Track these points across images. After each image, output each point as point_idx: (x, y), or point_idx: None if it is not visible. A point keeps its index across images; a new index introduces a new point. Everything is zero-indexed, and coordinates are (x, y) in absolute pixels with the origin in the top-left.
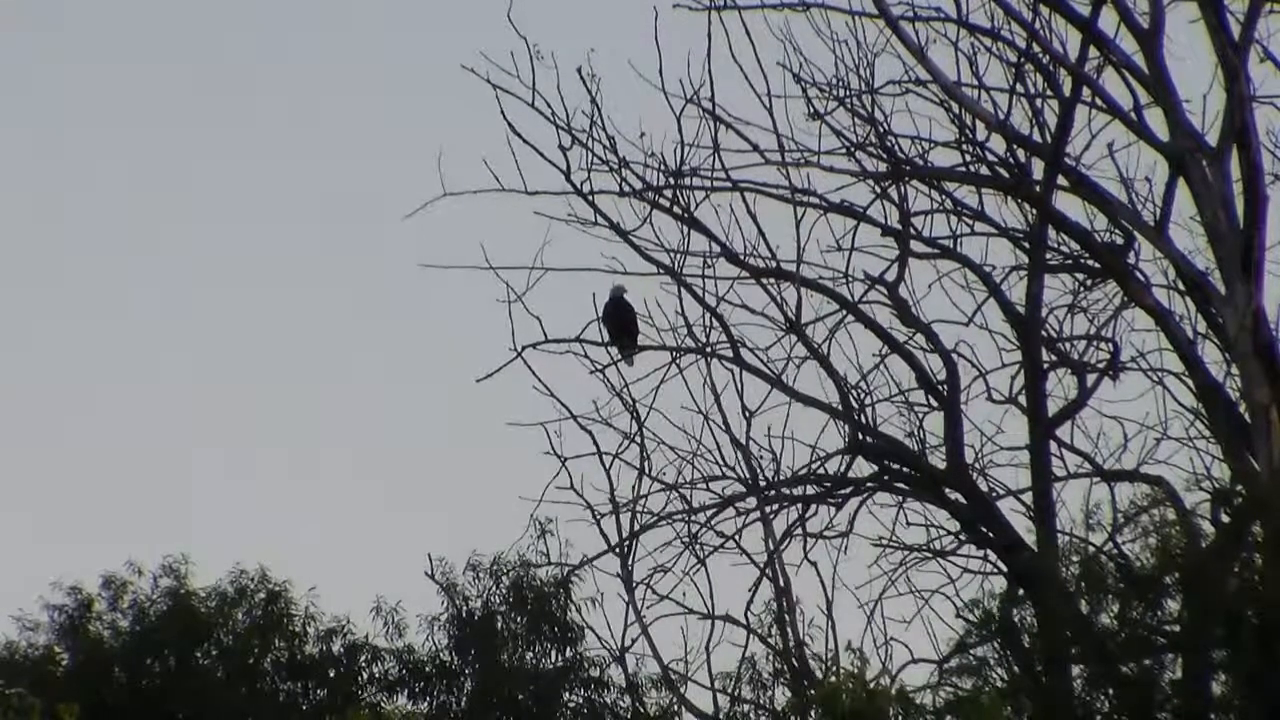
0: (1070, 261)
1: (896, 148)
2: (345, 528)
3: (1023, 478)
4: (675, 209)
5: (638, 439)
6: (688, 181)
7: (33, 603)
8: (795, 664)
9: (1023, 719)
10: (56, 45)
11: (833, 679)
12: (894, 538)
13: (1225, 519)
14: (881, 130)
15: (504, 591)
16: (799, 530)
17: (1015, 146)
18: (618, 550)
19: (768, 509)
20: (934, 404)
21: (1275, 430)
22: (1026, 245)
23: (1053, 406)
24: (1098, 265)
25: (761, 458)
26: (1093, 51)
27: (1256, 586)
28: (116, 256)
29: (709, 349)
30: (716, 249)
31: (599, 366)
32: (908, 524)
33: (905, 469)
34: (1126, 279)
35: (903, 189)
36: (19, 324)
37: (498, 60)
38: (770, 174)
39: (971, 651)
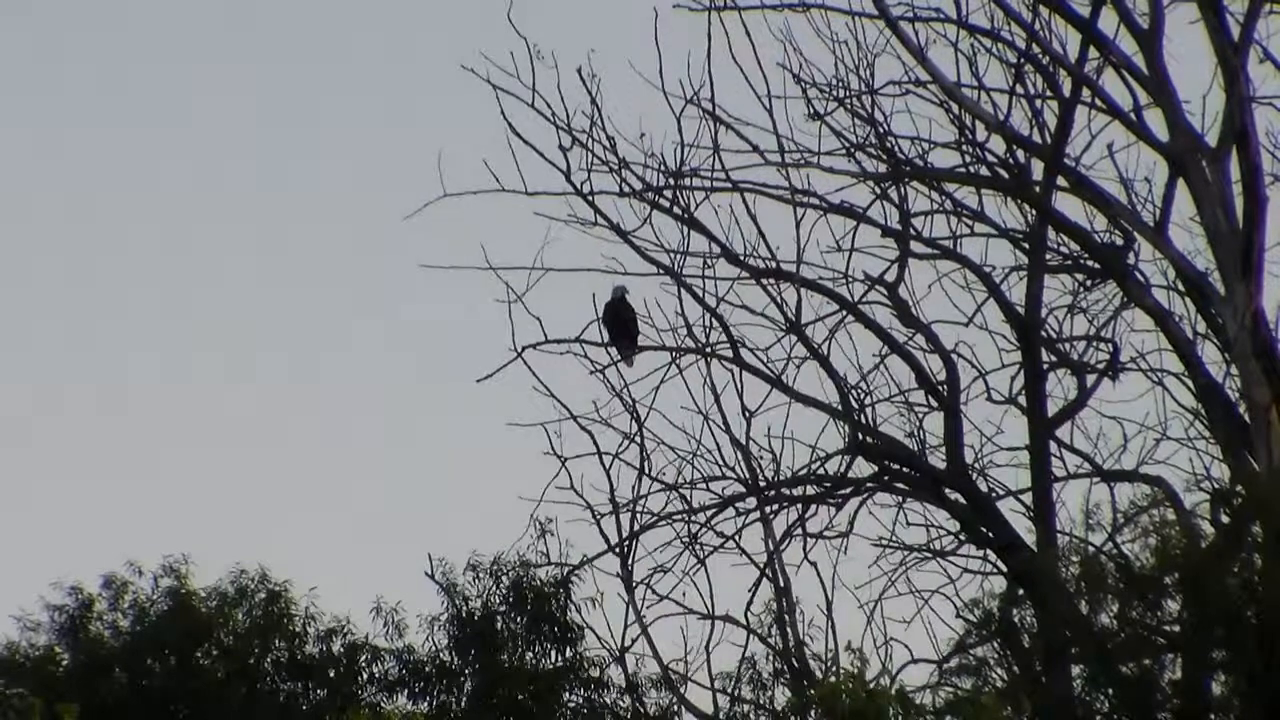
0: (1070, 262)
1: (896, 148)
2: (345, 528)
3: (1023, 478)
4: (675, 209)
5: (638, 439)
6: (688, 182)
7: (33, 603)
8: (795, 664)
9: (1022, 719)
10: (52, 43)
11: (833, 679)
12: (894, 538)
13: (1225, 519)
14: (881, 131)
15: (504, 591)
16: (799, 530)
17: (1015, 147)
18: (618, 550)
19: (768, 509)
20: (934, 404)
21: (1275, 430)
22: (1026, 246)
23: (1053, 406)
24: (1098, 265)
25: (761, 458)
26: (1092, 52)
27: (1256, 586)
28: (113, 256)
29: (709, 349)
30: (716, 249)
31: (599, 366)
32: (908, 524)
33: (905, 469)
34: (1126, 279)
35: (903, 190)
36: (19, 323)
37: (498, 60)
38: (770, 174)
39: (971, 651)
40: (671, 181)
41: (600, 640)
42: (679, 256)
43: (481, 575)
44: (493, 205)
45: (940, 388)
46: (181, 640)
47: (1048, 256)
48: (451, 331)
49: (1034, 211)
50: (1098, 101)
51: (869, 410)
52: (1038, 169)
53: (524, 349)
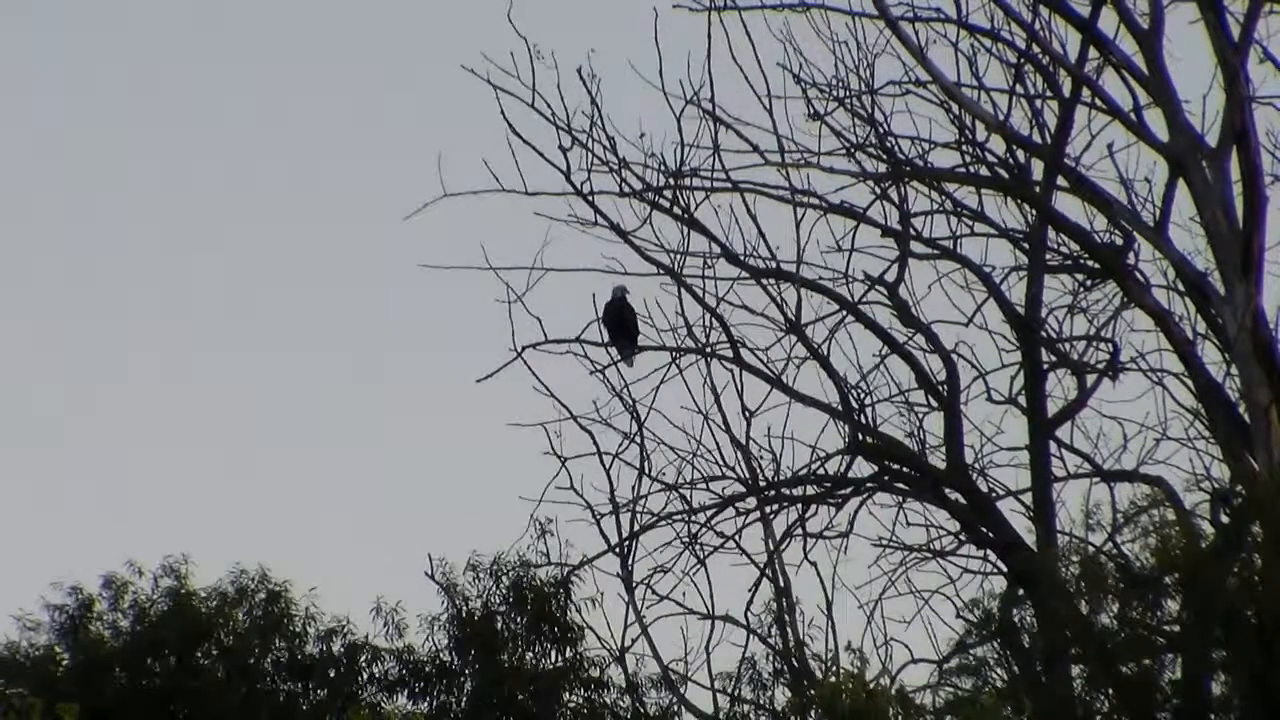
0: (1070, 262)
1: (896, 148)
2: (345, 528)
3: (1023, 478)
4: (675, 209)
5: (638, 439)
6: (688, 182)
7: (33, 603)
8: (795, 664)
9: (1022, 719)
10: (56, 44)
11: (833, 679)
12: (894, 538)
13: (1225, 519)
14: (881, 131)
15: (504, 591)
16: (799, 530)
17: (1015, 147)
18: (618, 550)
19: (768, 509)
20: (934, 404)
21: (1275, 430)
22: (1026, 245)
23: (1053, 406)
24: (1098, 265)
25: (761, 458)
26: (1092, 52)
27: (1256, 586)
28: (111, 256)
29: (709, 349)
30: (716, 249)
31: (599, 366)
32: (908, 524)
33: (905, 469)
34: (1126, 279)
35: (902, 190)
36: (19, 322)
37: (498, 60)
38: (770, 174)
39: (971, 651)
40: (671, 181)
41: (600, 640)
42: (679, 256)
43: (481, 575)
44: (493, 205)
45: (940, 388)
46: (181, 640)
47: (1048, 256)
48: (451, 331)
49: (1034, 211)
50: (1098, 101)
51: (869, 410)
52: (1038, 169)
53: (524, 349)
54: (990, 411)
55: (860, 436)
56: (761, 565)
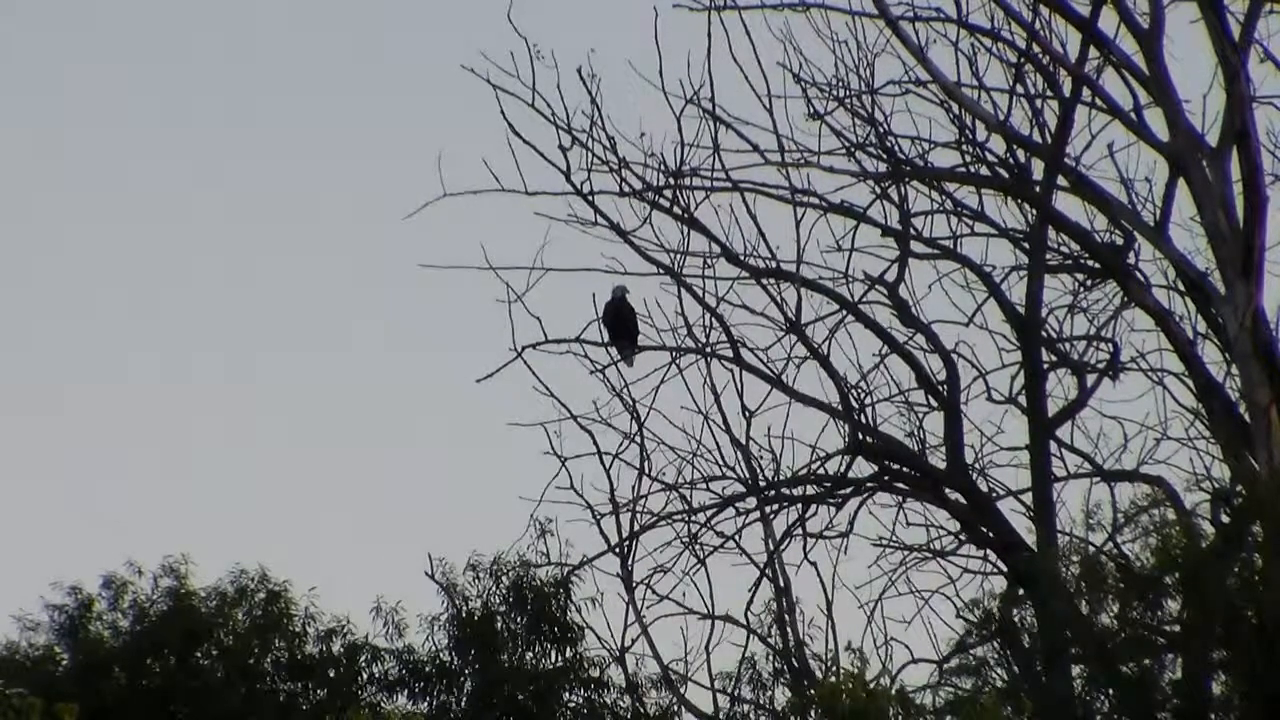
0: (1070, 261)
1: (896, 148)
2: (345, 528)
3: (1023, 478)
4: (675, 209)
5: (638, 439)
6: (688, 181)
7: (32, 603)
8: (795, 664)
9: (1023, 719)
10: (55, 45)
11: (833, 679)
12: (894, 538)
13: (1225, 519)
14: (881, 130)
15: (504, 591)
16: (799, 530)
17: (1015, 147)
18: (618, 550)
19: (768, 509)
20: (934, 404)
21: (1275, 430)
22: (1026, 245)
23: (1053, 406)
24: (1098, 265)
25: (761, 458)
26: (1093, 52)
27: (1256, 586)
28: (115, 256)
29: (709, 349)
30: (716, 249)
31: (599, 366)
32: (908, 524)
33: (905, 469)
34: (1126, 279)
35: (903, 189)
36: (19, 322)
37: (498, 60)
38: (770, 174)
39: (971, 651)
40: (671, 181)
41: (600, 640)
42: (679, 256)
43: (481, 575)
44: (493, 205)
45: (940, 387)
46: (181, 640)
47: (1048, 256)
48: (451, 331)
49: (1034, 211)
50: (1098, 101)
51: (869, 410)
52: (1038, 169)
53: (524, 349)
54: (990, 411)
55: (860, 436)
56: (761, 565)
